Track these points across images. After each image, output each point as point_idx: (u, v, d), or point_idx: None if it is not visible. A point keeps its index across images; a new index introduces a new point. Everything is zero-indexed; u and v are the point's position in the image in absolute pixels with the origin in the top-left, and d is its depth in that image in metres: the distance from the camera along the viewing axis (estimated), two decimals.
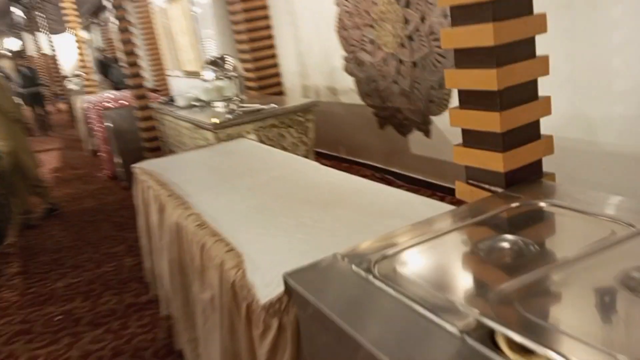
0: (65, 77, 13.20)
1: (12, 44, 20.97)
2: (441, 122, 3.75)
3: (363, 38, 4.34)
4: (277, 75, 5.92)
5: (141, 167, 3.04)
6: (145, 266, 3.04)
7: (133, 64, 5.15)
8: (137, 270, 3.57)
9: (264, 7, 5.73)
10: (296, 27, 5.32)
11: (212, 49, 6.51)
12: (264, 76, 5.74)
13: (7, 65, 20.48)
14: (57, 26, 13.12)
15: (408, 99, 4.00)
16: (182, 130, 4.53)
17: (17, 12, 14.91)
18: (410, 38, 3.78)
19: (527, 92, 1.47)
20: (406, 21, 3.77)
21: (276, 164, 2.67)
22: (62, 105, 15.23)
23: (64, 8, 8.26)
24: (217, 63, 4.39)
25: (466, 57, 1.45)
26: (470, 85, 1.47)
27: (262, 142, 3.63)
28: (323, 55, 5.01)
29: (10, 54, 21.20)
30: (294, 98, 4.87)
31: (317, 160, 3.36)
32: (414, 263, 1.20)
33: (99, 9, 15.22)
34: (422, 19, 3.61)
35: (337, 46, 4.72)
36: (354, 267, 1.18)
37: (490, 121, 1.44)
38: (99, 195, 5.85)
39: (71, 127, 11.39)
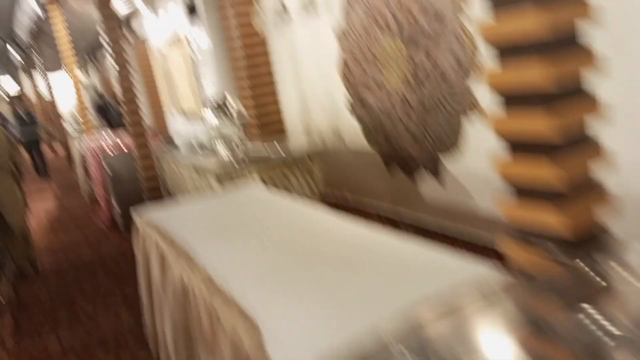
0: (62, 118, 13.14)
1: (8, 83, 21.08)
2: (453, 164, 3.62)
3: (368, 78, 4.26)
4: (278, 113, 5.83)
5: (142, 215, 2.87)
6: (145, 324, 2.84)
7: (131, 101, 5.04)
8: (136, 325, 3.35)
9: (263, 44, 5.69)
10: (298, 67, 5.26)
11: (212, 91, 6.45)
12: (264, 114, 5.65)
13: (5, 108, 20.58)
14: (53, 64, 13.13)
15: (417, 141, 3.89)
16: (184, 176, 4.40)
17: (13, 51, 14.99)
18: (416, 77, 3.70)
19: (586, 139, 1.33)
20: (413, 61, 3.69)
21: (286, 212, 2.51)
22: (59, 148, 15.15)
23: (59, 45, 8.22)
24: (220, 107, 4.29)
25: (515, 102, 1.31)
26: (521, 135, 1.32)
27: (265, 182, 3.49)
28: (326, 95, 4.93)
29: (7, 98, 21.27)
30: (299, 142, 4.76)
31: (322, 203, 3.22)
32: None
33: (95, 48, 15.33)
34: (427, 56, 3.53)
35: (341, 86, 4.64)
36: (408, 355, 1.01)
37: (548, 174, 1.28)
38: (96, 244, 5.65)
39: (69, 170, 11.26)
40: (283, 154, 3.58)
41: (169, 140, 5.15)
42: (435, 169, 3.80)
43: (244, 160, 3.51)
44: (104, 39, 4.96)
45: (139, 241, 2.89)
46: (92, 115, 10.51)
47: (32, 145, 11.36)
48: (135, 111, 5.05)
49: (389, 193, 4.41)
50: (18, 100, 15.04)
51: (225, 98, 4.37)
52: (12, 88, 21.12)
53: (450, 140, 3.58)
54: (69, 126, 11.79)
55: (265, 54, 5.70)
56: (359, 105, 4.47)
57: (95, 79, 17.52)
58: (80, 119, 8.46)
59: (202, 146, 4.54)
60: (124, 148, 6.03)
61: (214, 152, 4.35)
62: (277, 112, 5.83)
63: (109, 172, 5.70)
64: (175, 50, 8.92)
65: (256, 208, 2.73)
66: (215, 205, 2.92)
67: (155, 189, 5.28)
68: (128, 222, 5.74)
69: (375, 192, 4.58)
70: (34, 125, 11.32)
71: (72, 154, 10.39)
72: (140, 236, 2.86)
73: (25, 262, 4.93)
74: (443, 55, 3.42)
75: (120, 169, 5.69)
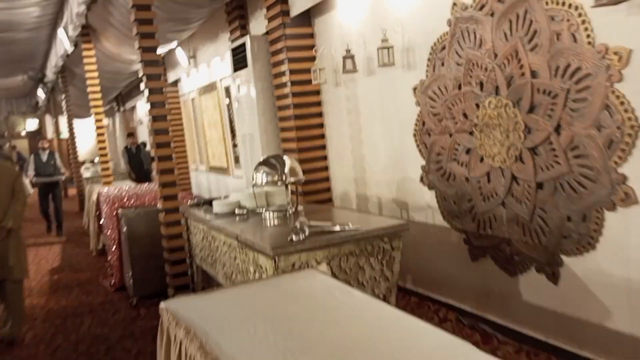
0: (81, 162, 12.53)
1: (32, 125, 20.83)
2: (579, 265, 2.76)
3: (455, 146, 3.49)
4: (327, 180, 5.06)
5: (170, 307, 2.08)
6: None
7: (164, 146, 4.30)
8: None
9: (317, 94, 5.00)
10: (357, 128, 4.52)
11: (252, 144, 5.72)
12: (310, 181, 4.87)
13: (23, 146, 20.21)
14: (78, 111, 12.70)
15: (523, 229, 3.05)
16: (219, 245, 3.57)
17: (40, 93, 14.67)
18: (534, 151, 2.91)
19: None
20: (528, 130, 2.91)
21: (363, 316, 1.81)
22: (72, 191, 14.47)
23: (91, 92, 7.67)
24: (270, 164, 3.52)
25: None
26: None
27: (334, 275, 2.65)
28: (391, 161, 4.15)
29: (24, 135, 20.94)
30: (378, 217, 3.91)
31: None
32: None
33: (121, 96, 15.00)
34: (557, 129, 2.75)
35: (414, 152, 3.87)
36: None
37: None
38: (101, 313, 4.76)
39: (79, 218, 10.48)
40: (360, 234, 2.75)
41: (200, 199, 4.37)
42: (549, 268, 2.93)
43: (300, 233, 2.69)
44: (144, 81, 4.30)
45: (162, 338, 2.10)
46: (123, 162, 9.84)
47: (50, 190, 9.18)
48: (168, 157, 4.30)
49: (473, 291, 3.53)
50: (37, 134, 14.46)
51: (281, 155, 3.61)
52: (32, 125, 20.87)
53: (578, 233, 2.73)
54: (85, 171, 11.15)
55: (317, 104, 5.01)
56: (438, 175, 3.67)
57: (117, 126, 17.13)
58: (100, 166, 7.76)
59: (242, 211, 3.73)
60: (145, 202, 5.26)
61: (260, 219, 3.54)
62: (325, 174, 5.07)
63: (126, 229, 4.90)
64: (209, 99, 8.34)
65: (322, 305, 1.94)
66: (268, 296, 2.12)
67: (178, 252, 4.44)
68: (140, 289, 4.87)
69: (454, 287, 3.69)
70: (55, 169, 9.19)
71: (86, 201, 9.67)
72: (165, 333, 2.06)
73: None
74: (579, 125, 2.63)
75: (139, 227, 4.89)
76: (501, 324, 3.30)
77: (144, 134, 13.97)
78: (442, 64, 3.49)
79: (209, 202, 4.16)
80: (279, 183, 3.42)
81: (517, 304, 3.17)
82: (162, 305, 2.15)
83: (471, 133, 3.33)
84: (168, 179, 4.30)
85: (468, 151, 3.39)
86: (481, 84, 3.20)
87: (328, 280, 2.34)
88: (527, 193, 2.99)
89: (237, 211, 3.79)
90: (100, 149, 7.74)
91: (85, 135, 14.79)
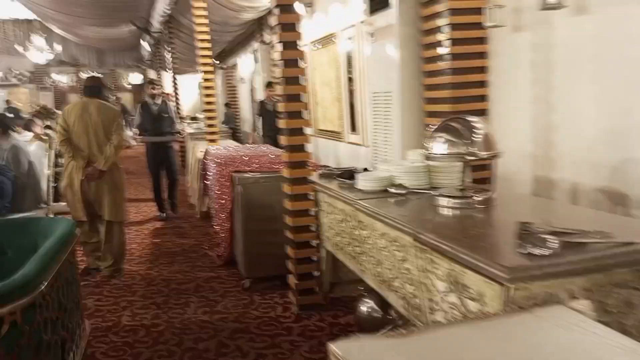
0: (185, 117, 12.17)
1: (136, 79, 21.10)
2: None
3: None
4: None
5: (345, 355, 1.20)
6: None
7: (295, 99, 3.44)
8: None
9: (483, 56, 3.91)
10: (545, 87, 3.40)
11: (384, 107, 4.74)
12: None
13: (127, 99, 20.55)
14: (182, 65, 12.31)
15: None
16: (370, 235, 2.67)
17: (146, 46, 14.49)
18: None
19: None
20: None
21: None
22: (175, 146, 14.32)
23: (200, 41, 7.00)
24: (450, 129, 2.54)
25: None
26: None
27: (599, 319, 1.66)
28: (606, 135, 3.01)
29: (130, 87, 21.29)
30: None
31: None
32: None
33: (225, 52, 14.51)
34: None
35: None
36: None
37: None
38: (208, 292, 4.09)
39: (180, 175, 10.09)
40: (628, 242, 1.71)
41: (335, 169, 3.49)
42: None
43: (540, 245, 1.71)
44: (273, 28, 3.43)
45: None
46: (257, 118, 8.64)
47: (162, 156, 6.74)
48: (299, 113, 3.44)
49: None
50: (141, 88, 14.17)
51: (458, 117, 2.62)
52: (137, 80, 21.14)
53: None
54: (187, 127, 10.73)
55: (481, 56, 3.90)
56: None
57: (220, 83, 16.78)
58: (206, 122, 7.14)
59: (400, 190, 2.80)
60: (264, 168, 4.47)
61: (423, 202, 2.60)
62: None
63: (242, 197, 4.14)
64: (324, 54, 7.41)
65: None
66: (487, 349, 1.20)
67: (304, 232, 3.60)
68: (253, 270, 4.13)
69: None
70: (169, 120, 6.84)
71: (188, 160, 9.22)
72: None
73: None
74: None
75: (257, 196, 4.12)
76: None
77: (244, 94, 13.43)
78: None
79: (346, 174, 3.27)
80: (468, 157, 2.44)
81: None
82: (333, 348, 1.28)
83: None
84: (298, 141, 3.44)
85: None
86: None
87: (599, 330, 1.36)
88: None
89: (392, 189, 2.86)
90: (208, 103, 7.11)
91: (187, 91, 14.53)
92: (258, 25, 9.86)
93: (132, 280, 4.42)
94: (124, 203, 4.68)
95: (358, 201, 2.76)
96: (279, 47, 3.42)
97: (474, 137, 2.46)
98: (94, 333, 3.30)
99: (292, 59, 3.43)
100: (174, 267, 4.73)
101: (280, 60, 3.42)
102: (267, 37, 9.50)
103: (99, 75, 5.47)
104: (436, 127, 2.60)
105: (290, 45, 3.41)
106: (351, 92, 6.70)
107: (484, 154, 2.44)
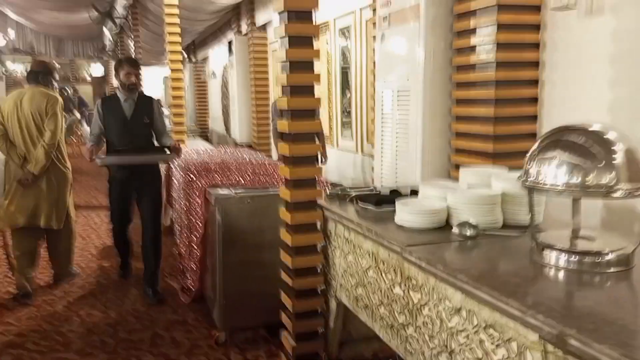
0: None
1: (97, 70, 19.68)
2: None
3: None
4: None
5: None
6: None
7: (307, 91, 2.44)
8: None
9: (536, 47, 3.01)
10: (628, 88, 2.52)
11: (400, 108, 3.79)
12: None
13: (87, 91, 19.07)
14: (147, 56, 11.12)
15: None
16: (441, 315, 1.70)
17: (108, 35, 13.24)
18: None
19: None
20: None
21: None
22: None
23: (168, 24, 5.93)
24: (569, 145, 1.61)
25: None
26: None
27: None
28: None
29: (89, 81, 19.85)
30: None
31: None
32: None
33: (194, 45, 13.38)
34: None
35: None
36: None
37: None
38: (169, 348, 3.03)
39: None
40: None
41: (345, 189, 2.51)
42: None
43: None
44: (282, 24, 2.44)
45: None
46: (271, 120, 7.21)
47: (137, 188, 3.86)
48: (309, 112, 2.44)
49: None
50: (103, 81, 12.95)
51: (577, 126, 1.69)
52: (98, 71, 19.73)
53: None
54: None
55: (534, 47, 3.00)
56: None
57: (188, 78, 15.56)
58: (173, 119, 6.05)
59: (469, 231, 1.85)
60: (248, 182, 3.45)
61: (505, 247, 1.67)
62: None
63: (221, 221, 3.08)
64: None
65: None
66: None
67: (308, 276, 2.60)
68: (231, 319, 3.10)
69: None
70: (149, 128, 3.87)
71: None
72: None
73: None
74: None
75: (239, 220, 3.07)
76: None
77: (215, 90, 12.33)
78: None
79: (372, 199, 2.30)
80: (610, 192, 1.50)
81: None
82: None
83: None
84: (305, 151, 2.44)
85: None
86: None
87: None
88: None
89: (456, 230, 1.90)
90: (175, 98, 6.05)
91: (151, 85, 13.31)
92: (234, 14, 8.84)
93: (67, 325, 3.33)
94: (67, 208, 4.05)
95: (408, 249, 1.79)
96: (283, 17, 2.42)
97: (612, 159, 1.53)
98: None
99: (300, 36, 2.43)
100: (124, 306, 3.64)
101: (284, 37, 2.43)
102: (244, 26, 8.47)
103: (48, 60, 4.36)
104: (542, 140, 1.67)
105: (299, 16, 2.42)
106: (345, 90, 5.80)
107: (632, 186, 1.51)
